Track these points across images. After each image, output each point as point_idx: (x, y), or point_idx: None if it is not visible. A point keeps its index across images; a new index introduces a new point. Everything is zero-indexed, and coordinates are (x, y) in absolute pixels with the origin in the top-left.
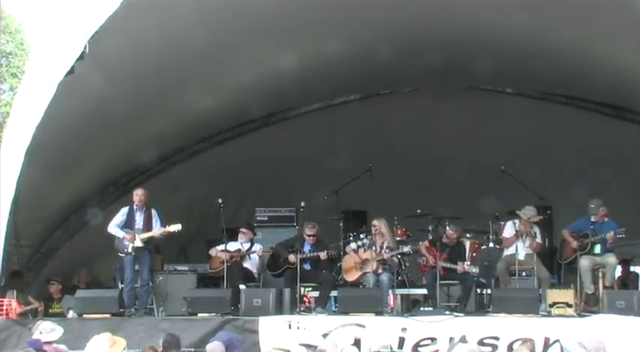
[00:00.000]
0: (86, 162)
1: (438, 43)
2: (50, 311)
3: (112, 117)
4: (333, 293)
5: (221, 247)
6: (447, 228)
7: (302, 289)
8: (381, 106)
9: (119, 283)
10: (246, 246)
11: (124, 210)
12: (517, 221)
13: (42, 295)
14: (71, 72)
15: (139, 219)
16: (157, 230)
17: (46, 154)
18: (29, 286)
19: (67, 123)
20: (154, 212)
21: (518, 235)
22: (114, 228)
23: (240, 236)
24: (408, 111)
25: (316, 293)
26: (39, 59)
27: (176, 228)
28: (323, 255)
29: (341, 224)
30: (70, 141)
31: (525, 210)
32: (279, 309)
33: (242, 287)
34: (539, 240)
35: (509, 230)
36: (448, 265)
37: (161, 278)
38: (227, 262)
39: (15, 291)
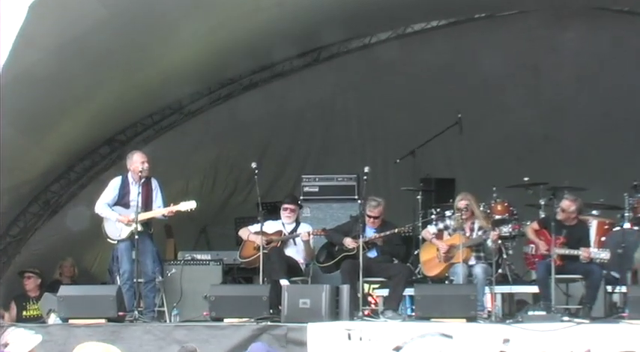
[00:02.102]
0: (71, 112)
1: None
2: (25, 313)
3: (105, 49)
4: (409, 290)
5: (256, 228)
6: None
7: (366, 286)
8: (473, 36)
9: (117, 277)
10: (290, 226)
11: (116, 182)
12: None
13: (13, 293)
14: None
15: (137, 193)
16: (160, 209)
17: (15, 102)
18: None
19: (43, 59)
20: (154, 183)
21: None
22: (104, 207)
23: (282, 213)
24: (511, 43)
25: (385, 291)
26: None
27: (189, 206)
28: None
29: (419, 197)
30: (48, 84)
31: None
32: (334, 313)
33: (284, 282)
34: None
35: None
36: (566, 252)
37: (174, 270)
38: (264, 248)
39: None
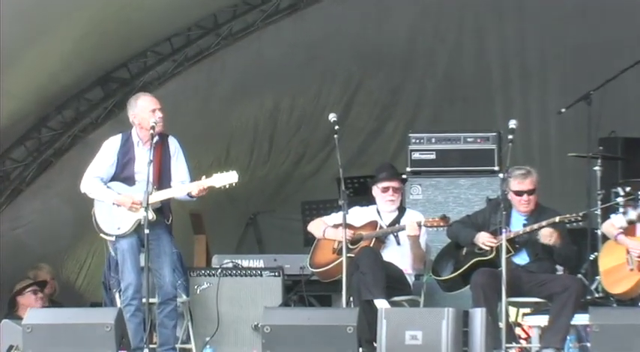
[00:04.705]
0: (45, 34)
1: None
2: None
3: None
4: (580, 317)
5: (335, 218)
6: None
7: (512, 310)
8: None
9: (116, 295)
10: (391, 215)
11: (113, 143)
12: None
13: None
14: None
15: (146, 160)
16: (182, 185)
17: None
18: None
19: None
20: (173, 144)
21: None
22: (95, 183)
23: (377, 194)
24: None
25: (544, 319)
26: None
27: (228, 180)
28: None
29: (597, 167)
30: None
31: None
32: None
33: (382, 304)
34: None
35: None
36: None
37: (206, 285)
38: (349, 249)
39: None
